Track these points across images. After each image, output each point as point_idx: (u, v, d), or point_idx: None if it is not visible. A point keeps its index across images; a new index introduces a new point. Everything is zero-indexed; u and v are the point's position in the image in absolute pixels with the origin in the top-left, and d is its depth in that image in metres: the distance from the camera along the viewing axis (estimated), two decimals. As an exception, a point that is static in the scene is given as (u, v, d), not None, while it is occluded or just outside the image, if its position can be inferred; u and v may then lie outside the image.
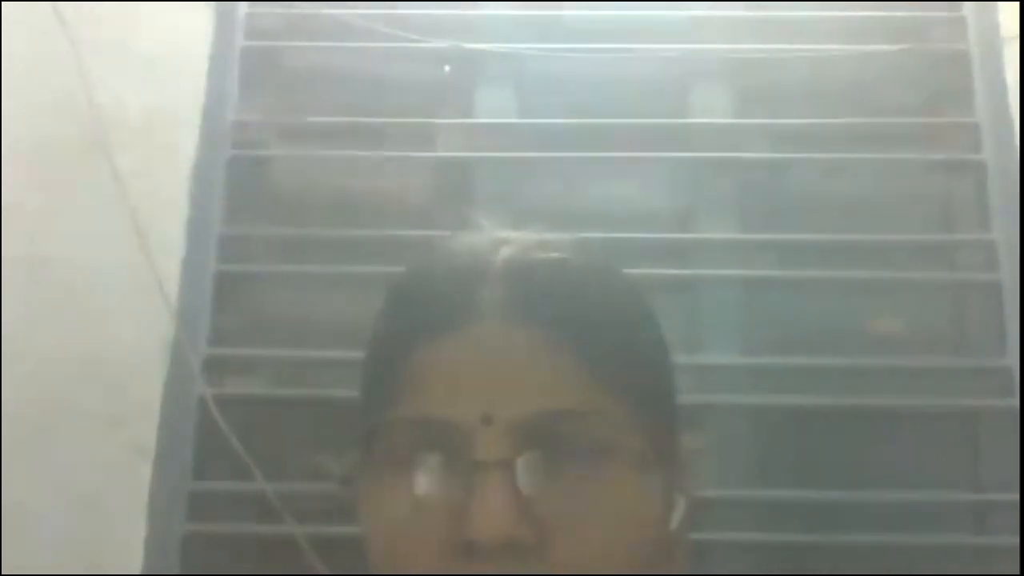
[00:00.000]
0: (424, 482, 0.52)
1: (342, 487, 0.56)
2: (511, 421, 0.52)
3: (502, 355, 0.53)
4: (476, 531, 0.50)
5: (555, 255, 0.57)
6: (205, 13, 1.70)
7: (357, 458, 0.56)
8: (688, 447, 0.61)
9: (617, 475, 0.53)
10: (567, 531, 0.52)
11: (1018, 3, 1.66)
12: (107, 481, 1.48)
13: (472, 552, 0.50)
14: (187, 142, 1.63)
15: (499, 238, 0.59)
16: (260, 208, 1.66)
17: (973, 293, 1.59)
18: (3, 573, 1.38)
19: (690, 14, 1.73)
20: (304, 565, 1.44)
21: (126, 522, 1.46)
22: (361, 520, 0.56)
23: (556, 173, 1.68)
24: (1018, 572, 1.37)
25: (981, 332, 1.57)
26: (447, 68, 1.73)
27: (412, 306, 0.57)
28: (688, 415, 0.63)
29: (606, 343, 0.55)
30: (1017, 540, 1.40)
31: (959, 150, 1.65)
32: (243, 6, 1.72)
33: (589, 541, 0.52)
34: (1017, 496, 1.43)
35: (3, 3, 1.63)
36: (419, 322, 0.55)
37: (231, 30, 1.70)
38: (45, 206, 1.57)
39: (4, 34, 1.62)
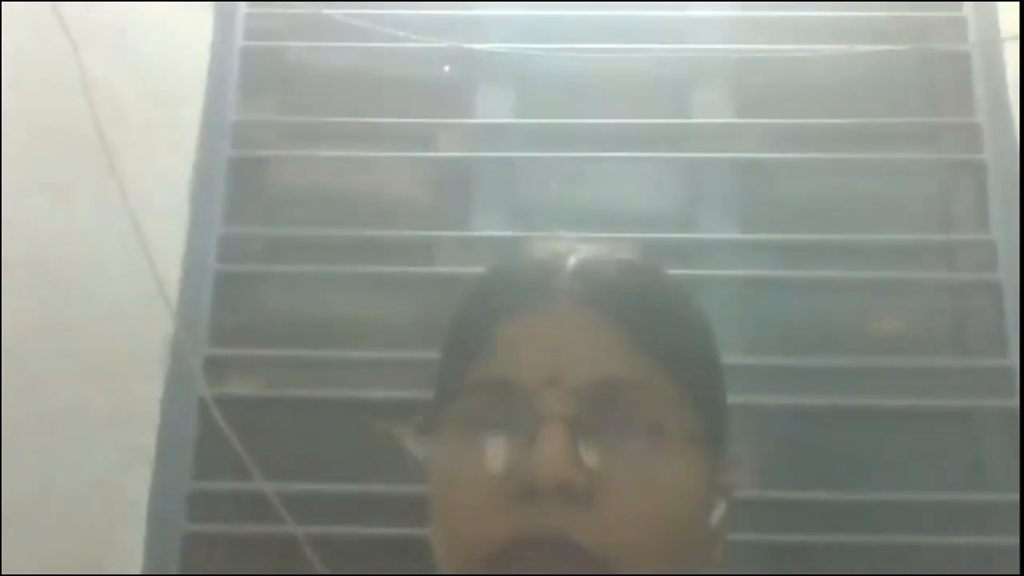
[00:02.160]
0: (494, 434, 0.59)
1: (417, 437, 0.64)
2: (573, 385, 0.59)
3: (568, 331, 0.61)
4: (535, 471, 0.57)
5: (616, 257, 0.65)
6: (205, 13, 1.70)
7: (433, 414, 0.64)
8: (736, 453, 0.67)
9: (665, 446, 0.60)
10: (615, 488, 0.58)
11: (1018, 3, 1.66)
12: (107, 481, 1.48)
13: (530, 494, 0.57)
14: (187, 142, 1.63)
15: (571, 244, 0.66)
16: (260, 208, 1.66)
17: (973, 293, 1.59)
18: (3, 573, 1.38)
19: (690, 14, 1.73)
20: (304, 565, 1.44)
21: (126, 522, 1.46)
22: (432, 471, 0.63)
23: (556, 173, 1.68)
24: (1018, 572, 1.37)
25: (981, 332, 1.57)
26: (447, 68, 1.73)
27: (498, 289, 0.65)
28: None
29: (658, 331, 0.62)
30: (1017, 540, 1.40)
31: (959, 150, 1.65)
32: (243, 6, 1.72)
33: (634, 500, 0.58)
34: (1017, 496, 1.43)
35: (3, 3, 1.63)
36: (503, 302, 0.63)
37: (231, 30, 1.70)
38: (45, 206, 1.57)
39: (4, 34, 1.62)
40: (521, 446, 0.58)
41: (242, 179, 1.65)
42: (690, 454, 0.61)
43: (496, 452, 0.59)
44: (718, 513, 0.64)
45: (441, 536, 0.61)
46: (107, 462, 1.48)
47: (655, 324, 0.62)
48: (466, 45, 1.70)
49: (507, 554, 0.57)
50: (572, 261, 0.64)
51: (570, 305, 0.62)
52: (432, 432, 0.63)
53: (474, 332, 0.64)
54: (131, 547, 1.45)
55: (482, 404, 0.61)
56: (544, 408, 0.58)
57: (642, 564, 0.58)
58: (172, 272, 1.57)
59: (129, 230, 1.55)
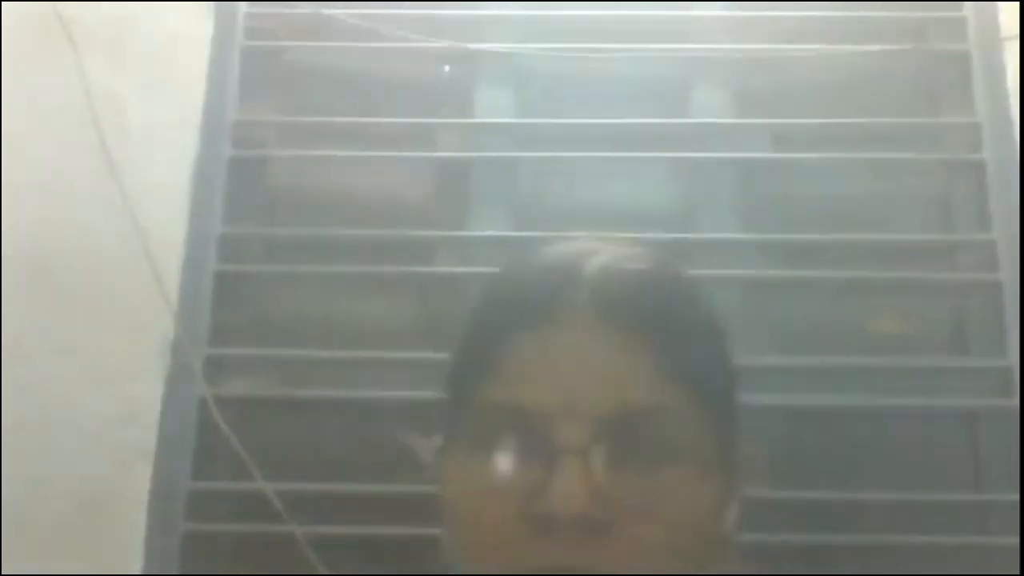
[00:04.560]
0: (508, 459, 0.58)
1: (435, 460, 0.62)
2: (592, 413, 0.57)
3: (587, 353, 0.59)
4: (553, 505, 0.55)
5: (638, 266, 0.62)
6: (205, 13, 1.70)
7: (446, 432, 0.62)
8: (748, 452, 0.66)
9: (684, 472, 0.59)
10: (634, 517, 0.57)
11: (1018, 3, 1.66)
12: (107, 481, 1.48)
13: (547, 524, 0.56)
14: (187, 142, 1.63)
15: (589, 247, 0.63)
16: (260, 208, 1.66)
17: (973, 293, 1.59)
18: (3, 573, 1.38)
19: (690, 14, 1.73)
20: (304, 565, 1.44)
21: (126, 522, 1.46)
22: (445, 492, 0.61)
23: (556, 173, 1.68)
24: (1018, 572, 1.37)
25: (981, 332, 1.57)
26: (447, 68, 1.73)
27: (510, 300, 0.62)
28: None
29: (682, 348, 0.60)
30: (1017, 540, 1.40)
31: (959, 150, 1.65)
32: (243, 6, 1.72)
33: (653, 529, 0.57)
34: (1017, 496, 1.43)
35: (3, 3, 1.63)
36: (514, 318, 0.60)
37: (231, 30, 1.70)
38: (45, 206, 1.57)
39: (4, 34, 1.62)
40: (538, 476, 0.56)
41: (242, 179, 1.65)
42: (707, 472, 0.60)
43: (512, 481, 0.57)
44: (730, 516, 0.64)
45: (459, 558, 0.60)
46: (107, 462, 1.48)
47: (675, 342, 0.60)
48: (466, 45, 1.70)
49: None
50: (588, 271, 0.61)
51: (586, 323, 0.59)
52: (446, 452, 0.62)
53: (485, 349, 0.61)
54: (131, 547, 1.45)
55: (496, 428, 0.59)
56: (561, 438, 0.57)
57: None
58: (172, 272, 1.57)
59: (129, 230, 1.55)
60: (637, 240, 0.65)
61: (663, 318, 0.60)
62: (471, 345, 0.63)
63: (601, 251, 0.62)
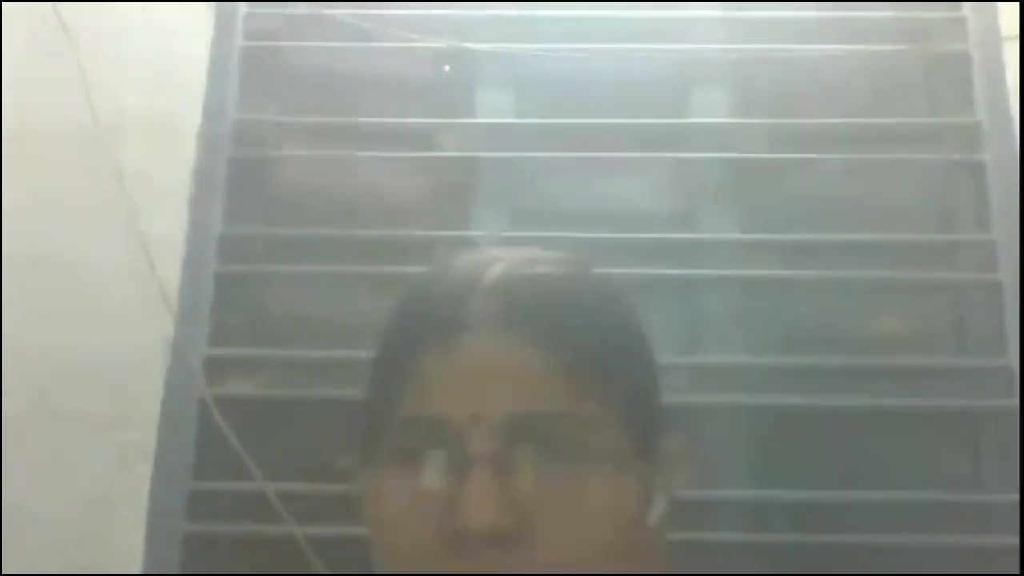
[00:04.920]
0: (421, 476, 0.58)
1: (351, 482, 0.63)
2: (499, 421, 0.58)
3: (492, 361, 0.59)
4: (465, 521, 0.56)
5: (541, 270, 0.63)
6: (205, 13, 1.70)
7: (360, 455, 0.63)
8: (672, 448, 0.65)
9: (597, 472, 0.59)
10: (549, 523, 0.57)
11: (1018, 3, 1.66)
12: (107, 481, 1.48)
13: (461, 540, 0.56)
14: (187, 142, 1.63)
15: (492, 255, 0.64)
16: (260, 208, 1.66)
17: (973, 293, 1.59)
18: (3, 573, 1.38)
19: (690, 14, 1.73)
20: (304, 565, 1.44)
21: (126, 522, 1.46)
22: (364, 512, 0.62)
23: (556, 173, 1.68)
24: (1018, 572, 1.37)
25: (981, 332, 1.57)
26: (447, 68, 1.73)
27: (412, 318, 0.64)
28: (685, 415, 0.65)
29: (588, 350, 0.60)
30: (1017, 540, 1.40)
31: (959, 150, 1.65)
32: (243, 6, 1.72)
33: (569, 532, 0.57)
34: (1017, 496, 1.43)
35: (3, 3, 1.63)
36: (418, 332, 0.62)
37: (231, 30, 1.70)
38: (45, 206, 1.57)
39: (4, 34, 1.62)
40: (452, 487, 0.57)
41: (242, 179, 1.65)
42: (622, 472, 0.60)
43: (426, 497, 0.58)
44: (657, 512, 0.62)
45: (383, 571, 0.61)
46: (107, 462, 1.48)
47: (580, 344, 0.60)
48: (466, 45, 1.70)
49: None
50: (488, 280, 0.61)
51: (490, 332, 0.59)
52: (367, 469, 0.62)
53: (395, 366, 0.62)
54: (131, 547, 1.45)
55: (410, 444, 0.59)
56: (470, 447, 0.57)
57: None
58: (172, 272, 1.57)
59: (129, 230, 1.55)
60: (544, 243, 0.66)
61: (566, 321, 0.61)
62: (382, 364, 0.64)
63: (502, 259, 0.63)
